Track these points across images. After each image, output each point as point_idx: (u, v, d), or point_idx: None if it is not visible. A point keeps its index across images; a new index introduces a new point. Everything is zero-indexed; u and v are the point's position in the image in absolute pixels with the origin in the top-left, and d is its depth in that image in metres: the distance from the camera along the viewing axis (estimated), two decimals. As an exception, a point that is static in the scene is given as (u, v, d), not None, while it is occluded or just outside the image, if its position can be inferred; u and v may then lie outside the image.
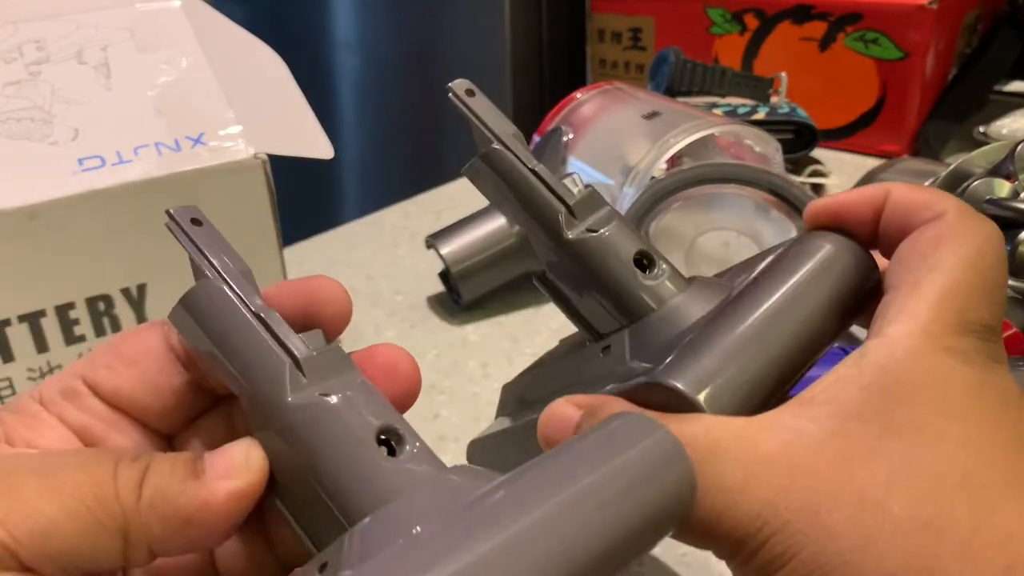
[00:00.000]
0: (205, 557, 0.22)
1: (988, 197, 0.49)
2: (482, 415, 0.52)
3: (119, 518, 0.19)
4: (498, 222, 0.64)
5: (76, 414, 0.21)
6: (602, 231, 0.27)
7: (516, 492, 0.18)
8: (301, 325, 0.21)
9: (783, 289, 0.24)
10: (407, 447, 0.20)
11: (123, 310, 0.46)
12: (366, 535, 0.18)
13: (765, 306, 0.23)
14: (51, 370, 0.44)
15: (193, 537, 0.19)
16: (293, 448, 0.20)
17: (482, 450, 0.33)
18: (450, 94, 0.28)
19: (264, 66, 0.56)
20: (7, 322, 0.42)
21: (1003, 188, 0.49)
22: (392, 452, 0.20)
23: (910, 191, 0.24)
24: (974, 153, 0.52)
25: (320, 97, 0.69)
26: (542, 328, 0.62)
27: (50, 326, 0.44)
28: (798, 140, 0.81)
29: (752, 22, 0.94)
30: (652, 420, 0.20)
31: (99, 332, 0.46)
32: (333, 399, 0.20)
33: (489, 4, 1.14)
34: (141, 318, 0.47)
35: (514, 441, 0.30)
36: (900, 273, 0.23)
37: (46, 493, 0.18)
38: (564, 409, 0.23)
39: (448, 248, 0.62)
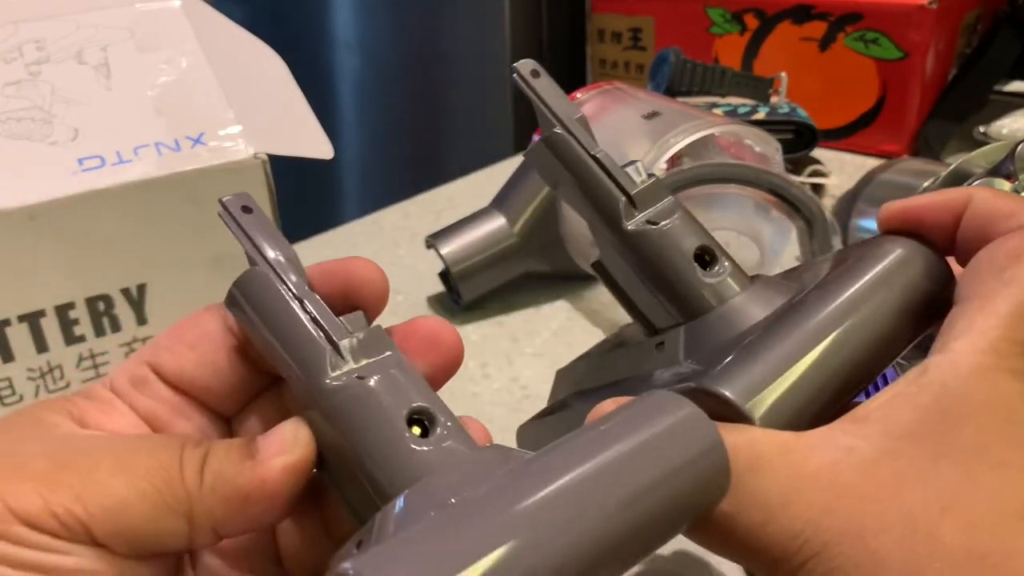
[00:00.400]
0: (268, 540, 0.23)
1: (988, 197, 0.49)
2: (482, 415, 0.52)
3: (184, 501, 0.20)
4: (498, 222, 0.64)
5: (144, 401, 0.22)
6: (663, 223, 0.26)
7: (546, 463, 0.18)
8: (342, 306, 0.22)
9: (849, 296, 0.22)
10: (439, 427, 0.20)
11: (123, 310, 0.46)
12: (398, 513, 0.19)
13: (828, 313, 0.22)
14: (51, 370, 0.44)
15: (253, 515, 0.20)
16: (333, 429, 0.20)
17: (533, 434, 0.32)
18: (514, 74, 0.27)
19: (264, 66, 0.56)
20: (7, 322, 0.42)
21: (1003, 188, 0.49)
22: (425, 433, 0.20)
23: (994, 197, 0.23)
24: (974, 153, 0.52)
25: (320, 97, 0.68)
26: (542, 328, 0.62)
27: (50, 326, 0.44)
28: (798, 140, 0.81)
29: (752, 22, 0.94)
30: (684, 398, 0.20)
31: (99, 332, 0.45)
32: (369, 382, 0.20)
33: (489, 4, 1.14)
34: (141, 318, 0.47)
35: (566, 430, 0.30)
36: (973, 285, 0.22)
37: (120, 475, 0.19)
38: (610, 409, 0.23)
39: (448, 248, 0.62)
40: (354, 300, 0.22)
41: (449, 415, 0.21)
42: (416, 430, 0.20)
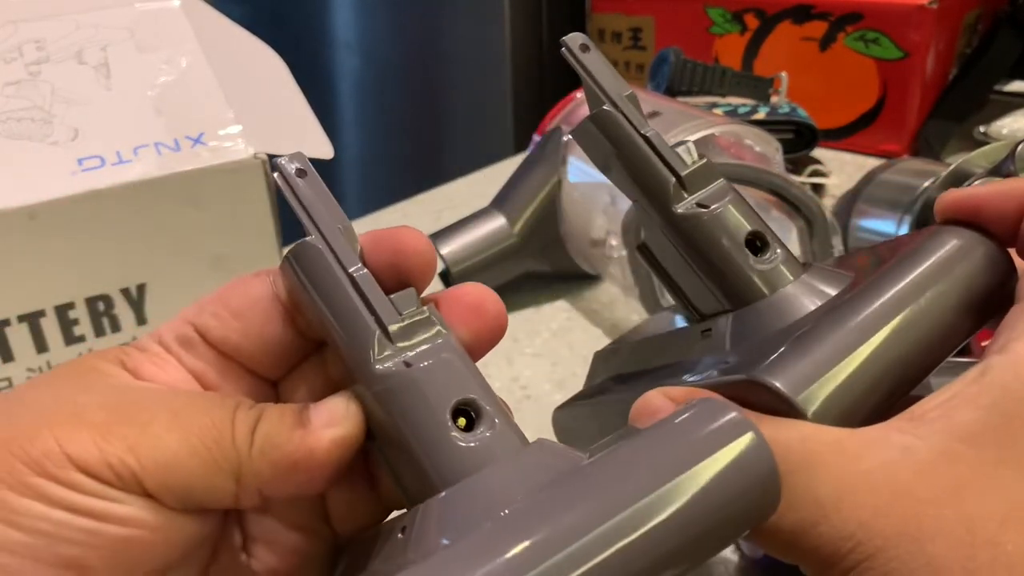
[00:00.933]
0: (317, 498, 0.23)
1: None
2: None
3: (234, 461, 0.20)
4: (498, 222, 0.64)
5: (192, 360, 0.22)
6: (714, 207, 0.25)
7: (598, 482, 0.18)
8: (391, 277, 0.22)
9: (906, 288, 0.21)
10: (486, 420, 0.20)
11: (123, 310, 0.46)
12: (441, 511, 0.19)
13: (884, 306, 0.21)
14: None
15: (299, 481, 0.21)
16: (381, 411, 0.20)
17: (571, 417, 0.31)
18: (563, 48, 0.26)
19: (264, 66, 0.56)
20: (7, 322, 0.42)
21: (1003, 188, 0.49)
22: (471, 425, 0.20)
23: None
24: (974, 153, 0.52)
25: (320, 97, 0.68)
26: (542, 328, 0.62)
27: (50, 326, 0.43)
28: (798, 140, 0.81)
29: (752, 22, 0.94)
30: (742, 418, 0.19)
31: (99, 332, 0.45)
32: (415, 370, 0.20)
33: (489, 4, 1.14)
34: (141, 318, 0.47)
35: (605, 415, 0.29)
36: None
37: (174, 430, 0.20)
38: (657, 401, 0.22)
39: (448, 248, 0.62)
40: (403, 270, 0.22)
41: (496, 405, 0.21)
42: (462, 422, 0.20)
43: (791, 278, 0.24)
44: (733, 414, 0.19)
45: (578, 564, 0.16)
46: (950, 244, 0.23)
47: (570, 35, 0.26)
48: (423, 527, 0.19)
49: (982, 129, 0.85)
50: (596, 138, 0.26)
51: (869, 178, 0.60)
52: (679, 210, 0.25)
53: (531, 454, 0.20)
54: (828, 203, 0.66)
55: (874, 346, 0.21)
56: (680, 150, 0.26)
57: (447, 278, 0.65)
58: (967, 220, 0.24)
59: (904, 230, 0.55)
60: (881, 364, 0.21)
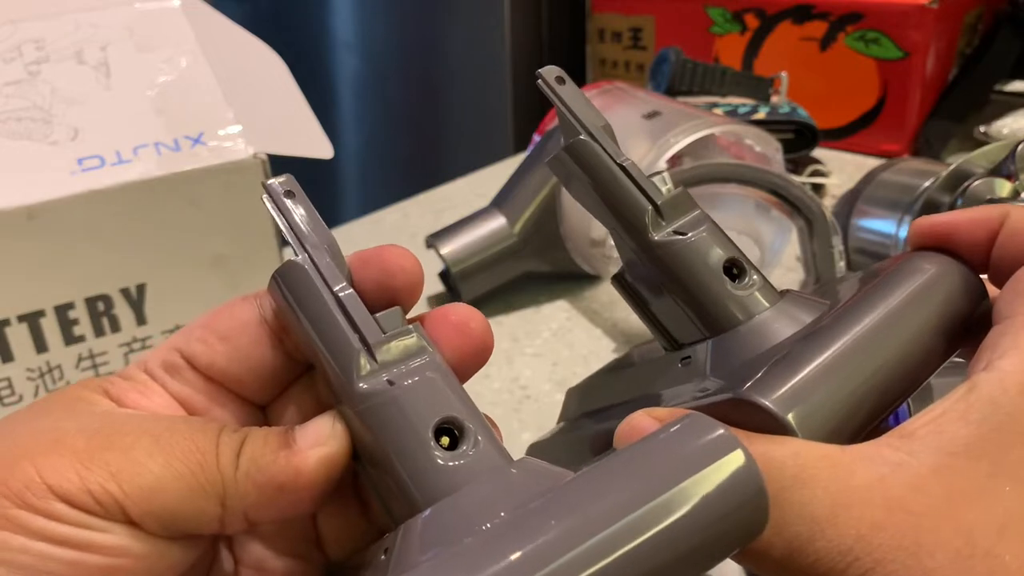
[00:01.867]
0: (308, 523, 0.23)
1: (989, 197, 0.49)
2: (482, 415, 0.52)
3: (218, 484, 0.20)
4: (498, 222, 0.64)
5: (178, 387, 0.22)
6: (691, 235, 0.25)
7: (579, 499, 0.18)
8: (379, 297, 0.22)
9: (885, 310, 0.22)
10: (469, 438, 0.20)
11: (122, 310, 0.46)
12: (423, 530, 0.19)
13: (865, 327, 0.22)
14: (50, 370, 0.44)
15: (286, 504, 0.20)
16: (364, 430, 0.20)
17: (546, 452, 0.31)
18: (539, 80, 0.27)
19: (264, 66, 0.56)
20: (6, 322, 0.42)
21: (1004, 188, 0.49)
22: (454, 444, 0.20)
23: None
24: (975, 153, 0.52)
25: (320, 97, 0.68)
26: (542, 328, 0.62)
27: (49, 326, 0.43)
28: (799, 140, 0.81)
29: (752, 22, 0.94)
30: (729, 434, 0.19)
31: (98, 332, 0.45)
32: (398, 389, 0.20)
33: (489, 4, 1.14)
34: (141, 318, 0.47)
35: (581, 451, 0.29)
36: (1014, 303, 0.21)
37: (156, 454, 0.19)
38: (644, 422, 0.22)
39: (448, 248, 0.62)
40: (389, 288, 0.22)
41: (481, 424, 0.20)
42: (445, 441, 0.20)
43: (767, 305, 0.25)
44: (720, 431, 0.19)
45: None
46: (925, 270, 0.23)
47: (546, 68, 0.27)
48: (405, 546, 0.19)
49: (982, 129, 0.85)
50: (572, 168, 0.27)
51: (869, 178, 0.60)
52: (657, 238, 0.26)
53: (515, 471, 0.20)
54: (828, 203, 0.66)
55: (858, 366, 0.21)
56: (655, 179, 0.26)
57: (447, 278, 0.65)
58: (940, 246, 0.24)
59: (904, 230, 0.55)
60: (865, 384, 0.21)
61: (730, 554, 0.19)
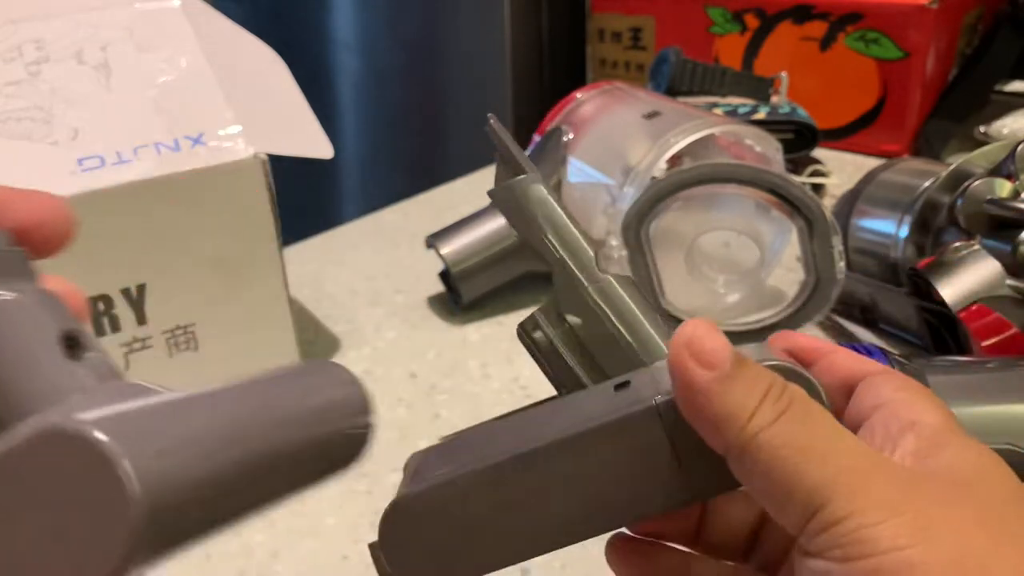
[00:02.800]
0: None
1: (989, 197, 0.49)
2: (482, 415, 0.52)
3: None
4: (498, 222, 0.64)
5: None
6: (616, 271, 0.27)
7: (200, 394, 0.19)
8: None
9: None
10: (88, 352, 0.20)
11: (123, 310, 0.46)
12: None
13: None
14: (51, 370, 0.44)
15: None
16: None
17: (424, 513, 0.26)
18: (486, 127, 0.29)
19: (264, 66, 0.56)
20: (7, 322, 0.42)
21: (1004, 188, 0.49)
22: (75, 355, 0.20)
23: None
24: (975, 153, 0.52)
25: (320, 97, 0.68)
26: (542, 328, 0.61)
27: (50, 326, 0.43)
28: (799, 140, 0.81)
29: (752, 22, 0.94)
30: (341, 366, 0.22)
31: (99, 332, 0.45)
32: (8, 296, 0.20)
33: (489, 4, 1.14)
34: (141, 318, 0.47)
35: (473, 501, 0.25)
36: (866, 402, 0.23)
37: None
38: (716, 343, 0.21)
39: (448, 248, 0.62)
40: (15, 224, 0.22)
41: (94, 342, 0.21)
42: (66, 350, 0.20)
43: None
44: (333, 364, 0.22)
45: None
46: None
47: (491, 115, 0.29)
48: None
49: (982, 129, 0.85)
50: (518, 203, 0.28)
51: (869, 178, 0.60)
52: (605, 274, 0.27)
53: (128, 382, 0.20)
54: (828, 203, 0.66)
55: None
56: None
57: (447, 278, 0.65)
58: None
59: (904, 230, 0.55)
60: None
61: (335, 454, 0.20)
